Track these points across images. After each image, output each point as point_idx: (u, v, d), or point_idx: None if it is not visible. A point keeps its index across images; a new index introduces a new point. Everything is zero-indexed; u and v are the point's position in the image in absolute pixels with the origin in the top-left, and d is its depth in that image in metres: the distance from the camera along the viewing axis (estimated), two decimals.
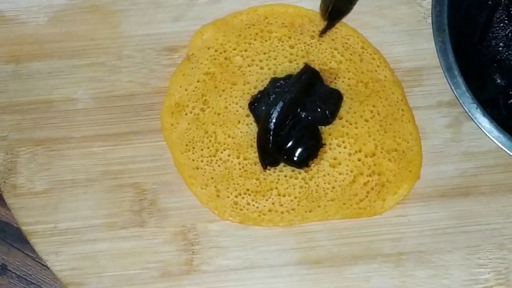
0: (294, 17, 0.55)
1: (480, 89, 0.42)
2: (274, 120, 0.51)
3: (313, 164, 0.52)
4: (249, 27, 0.55)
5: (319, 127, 0.53)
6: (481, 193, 0.52)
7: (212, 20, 0.56)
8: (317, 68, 0.54)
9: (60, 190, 0.53)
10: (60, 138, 0.54)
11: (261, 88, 0.53)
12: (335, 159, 0.52)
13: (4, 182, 0.53)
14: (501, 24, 0.38)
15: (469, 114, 0.39)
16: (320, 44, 0.55)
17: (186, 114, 0.54)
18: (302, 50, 0.54)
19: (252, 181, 0.52)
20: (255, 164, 0.52)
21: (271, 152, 0.51)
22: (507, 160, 0.53)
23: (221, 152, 0.53)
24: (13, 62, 0.56)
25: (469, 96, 0.39)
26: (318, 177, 0.52)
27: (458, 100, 0.41)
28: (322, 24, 0.54)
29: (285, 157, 0.52)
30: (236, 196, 0.52)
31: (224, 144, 0.53)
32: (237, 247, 0.52)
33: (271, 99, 0.52)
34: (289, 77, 0.53)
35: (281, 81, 0.52)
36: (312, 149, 0.52)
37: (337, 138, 0.53)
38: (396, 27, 0.56)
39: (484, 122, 0.41)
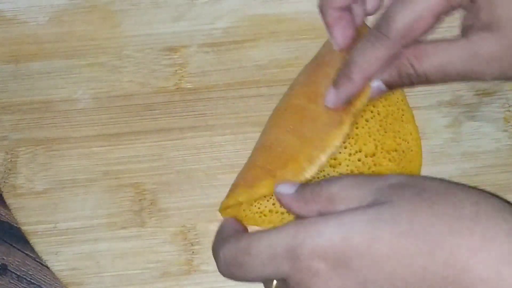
0: None
1: None
2: None
3: None
4: None
5: None
6: None
7: (211, 20, 0.56)
8: None
9: (60, 190, 0.53)
10: (60, 138, 0.54)
11: None
12: (335, 159, 0.52)
13: (4, 182, 0.53)
14: None
15: None
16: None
17: None
18: None
19: None
20: None
21: None
22: (507, 160, 0.53)
23: None
24: (13, 62, 0.56)
25: None
26: (318, 177, 0.52)
27: None
28: None
29: None
30: None
31: None
32: None
33: None
34: None
35: None
36: None
37: None
38: None
39: None
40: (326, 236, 0.38)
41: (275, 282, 0.41)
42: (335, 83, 0.48)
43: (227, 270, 0.42)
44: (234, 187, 0.49)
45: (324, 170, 0.52)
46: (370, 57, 0.46)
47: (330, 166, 0.52)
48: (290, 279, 0.39)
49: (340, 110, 0.48)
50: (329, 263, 0.38)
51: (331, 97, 0.48)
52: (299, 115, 0.49)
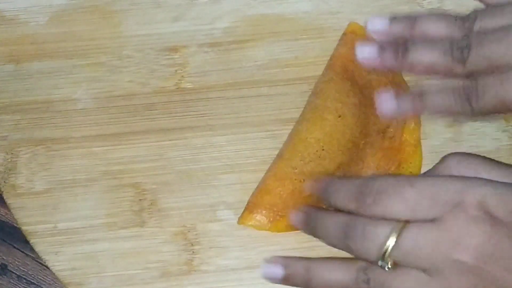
0: None
1: None
2: None
3: None
4: None
5: None
6: None
7: (211, 20, 0.56)
8: None
9: (60, 190, 0.53)
10: (60, 138, 0.54)
11: None
12: None
13: (4, 182, 0.53)
14: None
15: None
16: None
17: None
18: None
19: None
20: None
21: None
22: (507, 160, 0.53)
23: None
24: (13, 62, 0.56)
25: None
26: None
27: None
28: None
29: None
30: None
31: None
32: (237, 247, 0.52)
33: None
34: None
35: None
36: None
37: None
38: None
39: None
40: (497, 190, 0.40)
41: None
42: (400, 97, 0.48)
43: (374, 194, 0.42)
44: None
45: None
46: (443, 106, 0.47)
47: None
48: (441, 221, 0.40)
49: None
50: (490, 216, 0.39)
51: (389, 103, 0.48)
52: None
